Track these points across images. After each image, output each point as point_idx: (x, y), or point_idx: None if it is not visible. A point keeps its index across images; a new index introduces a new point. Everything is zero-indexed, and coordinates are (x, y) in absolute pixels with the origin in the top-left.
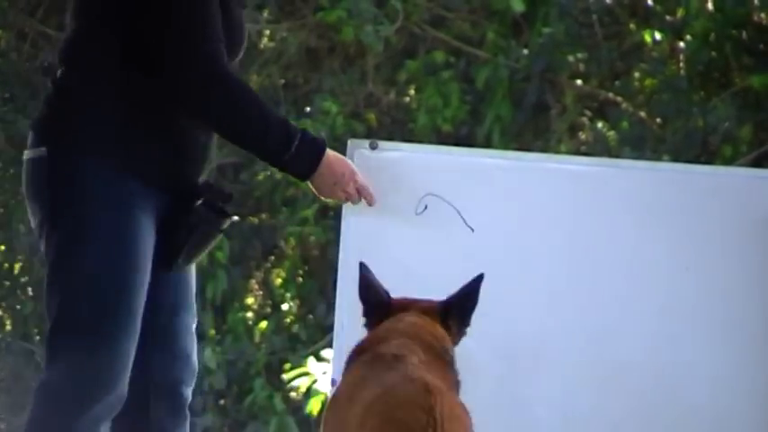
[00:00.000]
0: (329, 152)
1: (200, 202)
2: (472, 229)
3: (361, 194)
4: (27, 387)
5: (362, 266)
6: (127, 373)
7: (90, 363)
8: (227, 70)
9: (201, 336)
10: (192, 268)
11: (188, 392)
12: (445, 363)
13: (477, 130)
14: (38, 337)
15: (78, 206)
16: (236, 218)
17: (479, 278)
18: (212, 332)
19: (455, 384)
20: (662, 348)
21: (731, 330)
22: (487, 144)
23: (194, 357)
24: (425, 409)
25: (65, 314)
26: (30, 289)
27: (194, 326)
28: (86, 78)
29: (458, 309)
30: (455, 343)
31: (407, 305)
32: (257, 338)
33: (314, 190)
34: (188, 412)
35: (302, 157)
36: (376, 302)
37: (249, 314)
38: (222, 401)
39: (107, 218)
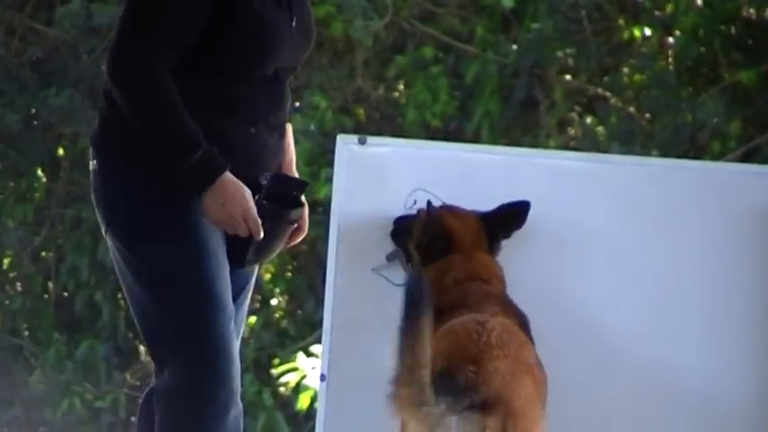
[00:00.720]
0: (228, 176)
1: (259, 196)
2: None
3: (247, 223)
4: (15, 382)
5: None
6: (233, 354)
7: (199, 358)
8: (142, 72)
9: None
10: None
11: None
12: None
13: (466, 125)
14: (27, 333)
15: (135, 216)
16: (304, 207)
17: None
18: None
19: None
20: (651, 343)
21: (721, 325)
22: (476, 139)
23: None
24: (478, 321)
25: (159, 319)
26: (18, 284)
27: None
28: None
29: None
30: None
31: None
32: (246, 334)
33: (203, 209)
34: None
35: (197, 172)
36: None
37: None
38: None
39: (164, 219)
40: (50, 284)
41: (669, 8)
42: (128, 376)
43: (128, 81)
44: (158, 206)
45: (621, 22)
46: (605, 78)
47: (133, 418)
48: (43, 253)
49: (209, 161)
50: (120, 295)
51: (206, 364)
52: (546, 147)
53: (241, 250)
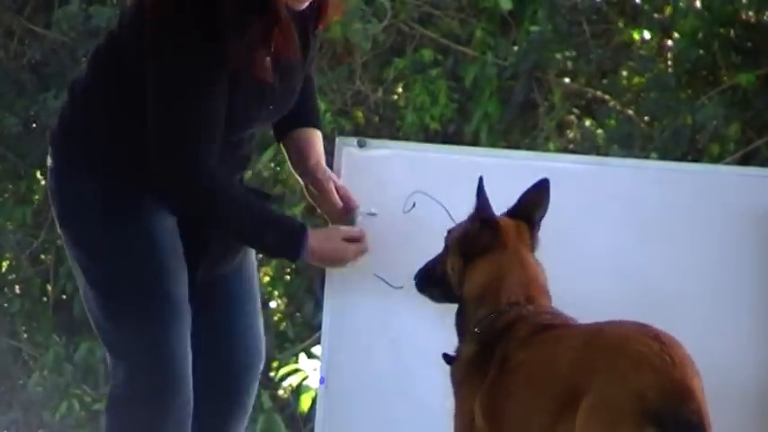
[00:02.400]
0: (312, 238)
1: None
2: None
3: (357, 250)
4: (14, 385)
5: (481, 180)
6: (186, 366)
7: (144, 361)
8: (209, 183)
9: None
10: (247, 268)
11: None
12: None
13: (464, 127)
14: (25, 335)
15: (86, 221)
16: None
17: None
18: None
19: None
20: None
21: (720, 328)
22: (475, 142)
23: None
24: (652, 336)
25: (111, 322)
26: (17, 287)
27: (258, 323)
28: (99, 92)
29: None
30: None
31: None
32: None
33: None
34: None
35: (282, 248)
36: (488, 225)
37: None
38: None
39: (117, 225)
40: (49, 287)
41: (668, 11)
42: None
43: (198, 202)
44: (111, 212)
45: (621, 24)
46: (604, 81)
47: None
48: (42, 255)
49: (288, 234)
50: None
51: (156, 373)
52: (545, 149)
53: (192, 267)
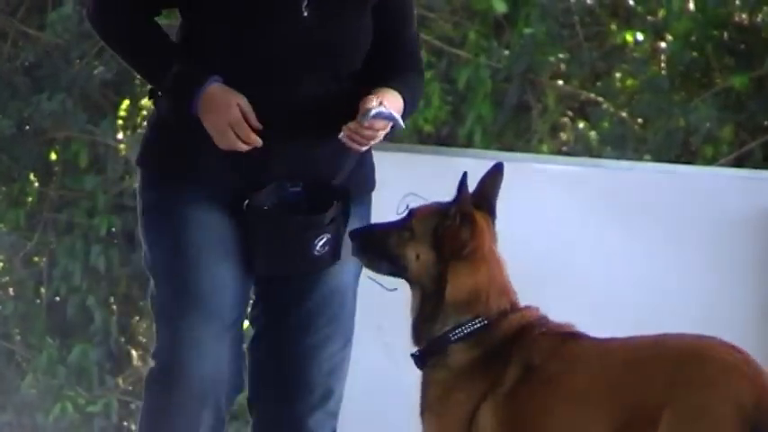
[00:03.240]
0: (212, 89)
1: (248, 201)
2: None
3: (234, 131)
4: (7, 387)
5: (464, 176)
6: (195, 359)
7: (163, 357)
8: (100, 8)
9: None
10: (345, 286)
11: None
12: None
13: (458, 130)
14: (18, 337)
15: (141, 215)
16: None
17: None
18: None
19: None
20: None
21: (715, 328)
22: (469, 144)
23: (312, 383)
24: (728, 345)
25: (152, 308)
26: (11, 289)
27: (329, 351)
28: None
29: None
30: None
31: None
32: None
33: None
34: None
35: (176, 91)
36: (469, 220)
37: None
38: None
39: (156, 218)
40: (42, 289)
41: (662, 13)
42: (120, 381)
43: (99, 17)
44: (154, 206)
45: (614, 27)
46: (598, 83)
47: (125, 423)
48: (35, 258)
49: (185, 77)
50: (112, 300)
51: (167, 357)
52: (538, 152)
53: (251, 258)
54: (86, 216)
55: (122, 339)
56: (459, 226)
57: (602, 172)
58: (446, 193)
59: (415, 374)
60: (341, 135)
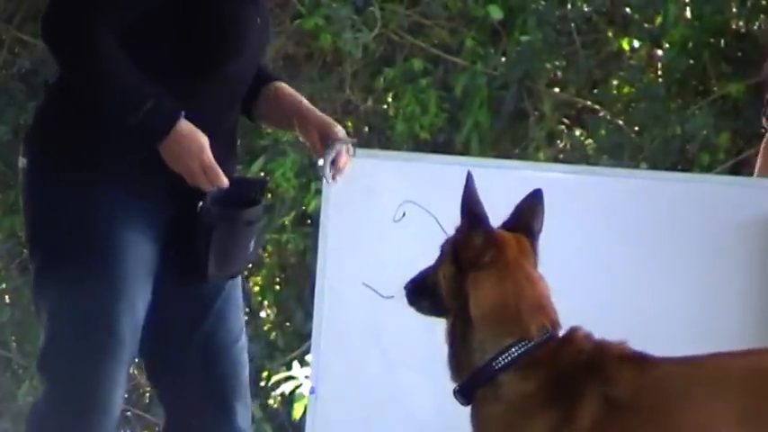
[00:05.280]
0: (182, 127)
1: (204, 202)
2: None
3: (207, 175)
4: (4, 395)
5: (469, 176)
6: (113, 396)
7: (71, 387)
8: (80, 27)
9: None
10: (232, 286)
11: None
12: None
13: (455, 137)
14: (15, 345)
15: (54, 225)
16: (258, 206)
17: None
18: None
19: None
20: None
21: (711, 336)
22: (465, 151)
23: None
24: None
25: (47, 336)
26: (7, 297)
27: (238, 347)
28: (59, 87)
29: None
30: None
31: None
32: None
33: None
34: None
35: (145, 127)
36: (478, 222)
37: None
38: None
39: (81, 236)
40: None
41: (658, 21)
42: None
43: (62, 37)
44: (78, 221)
45: (610, 34)
46: (594, 91)
47: (121, 431)
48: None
49: (158, 114)
50: None
51: (80, 401)
52: (535, 159)
53: (200, 265)
54: None
55: None
56: (468, 230)
57: (598, 179)
58: (443, 201)
59: (411, 380)
60: (330, 179)
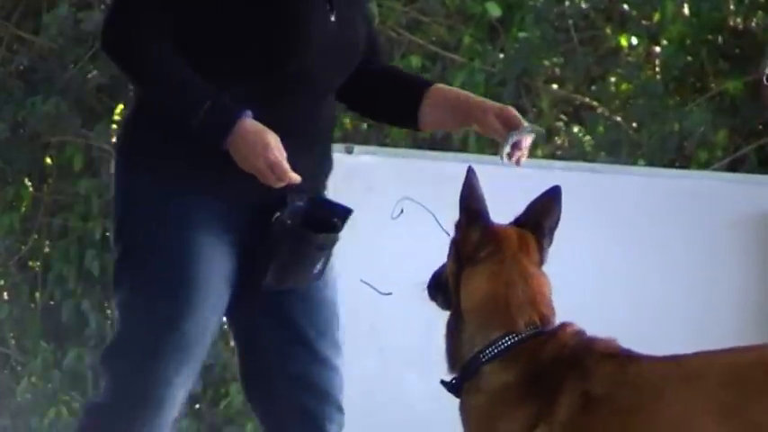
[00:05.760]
0: (246, 125)
1: (280, 214)
2: (448, 234)
3: (274, 172)
4: (2, 392)
5: (470, 171)
6: (172, 398)
7: (131, 385)
8: (129, 36)
9: None
10: (328, 289)
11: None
12: None
13: (452, 134)
14: (13, 342)
15: (133, 224)
16: (335, 234)
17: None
18: None
19: None
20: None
21: (709, 331)
22: (463, 148)
23: (334, 393)
24: None
25: (115, 332)
26: (5, 293)
27: (334, 359)
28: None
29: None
30: None
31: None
32: (233, 343)
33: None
34: None
35: (207, 128)
36: (477, 217)
37: (224, 319)
38: (198, 406)
39: (153, 237)
40: (37, 293)
41: (656, 17)
42: None
43: (116, 46)
44: (157, 222)
45: (608, 31)
46: (592, 88)
47: None
48: (30, 262)
49: (217, 114)
50: (107, 304)
51: (137, 402)
52: (533, 156)
53: (258, 274)
54: (81, 220)
55: None
56: (466, 225)
57: (596, 176)
58: (441, 198)
59: (408, 378)
60: (508, 158)
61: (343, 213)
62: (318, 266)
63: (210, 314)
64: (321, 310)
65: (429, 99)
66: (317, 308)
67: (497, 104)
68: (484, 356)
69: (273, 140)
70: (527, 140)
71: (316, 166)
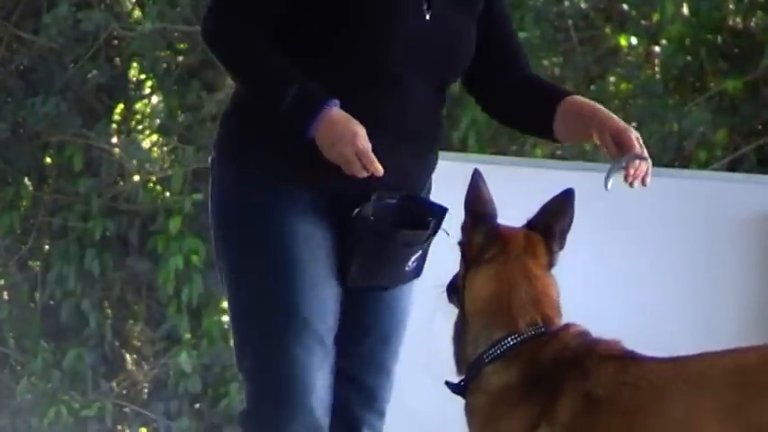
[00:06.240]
0: (332, 113)
1: (360, 209)
2: (448, 233)
3: (362, 161)
4: (2, 391)
5: (476, 173)
6: (313, 383)
7: (270, 383)
8: (217, 26)
9: (177, 340)
10: (404, 296)
11: None
12: None
13: (452, 134)
14: (13, 341)
15: (226, 217)
16: (423, 231)
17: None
18: (188, 336)
19: None
20: (638, 351)
21: (709, 331)
22: (463, 148)
23: (381, 396)
24: None
25: (233, 333)
26: (5, 293)
27: (389, 364)
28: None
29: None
30: None
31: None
32: (232, 342)
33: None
34: None
35: (294, 114)
36: (482, 219)
37: (225, 318)
38: (197, 405)
39: (248, 228)
40: (37, 293)
41: (655, 17)
42: (114, 385)
43: (212, 37)
44: (253, 215)
45: (608, 31)
46: (592, 87)
47: (119, 427)
48: (30, 262)
49: (304, 101)
50: (106, 304)
51: (275, 391)
52: (533, 156)
53: (343, 265)
54: (81, 220)
55: (117, 343)
56: (471, 227)
57: (595, 176)
58: (441, 198)
59: (409, 378)
60: (606, 186)
61: (439, 212)
62: (410, 264)
63: (328, 298)
64: (392, 314)
65: (560, 111)
66: (386, 311)
67: (620, 124)
68: (487, 357)
69: (360, 130)
70: (637, 166)
71: (408, 164)
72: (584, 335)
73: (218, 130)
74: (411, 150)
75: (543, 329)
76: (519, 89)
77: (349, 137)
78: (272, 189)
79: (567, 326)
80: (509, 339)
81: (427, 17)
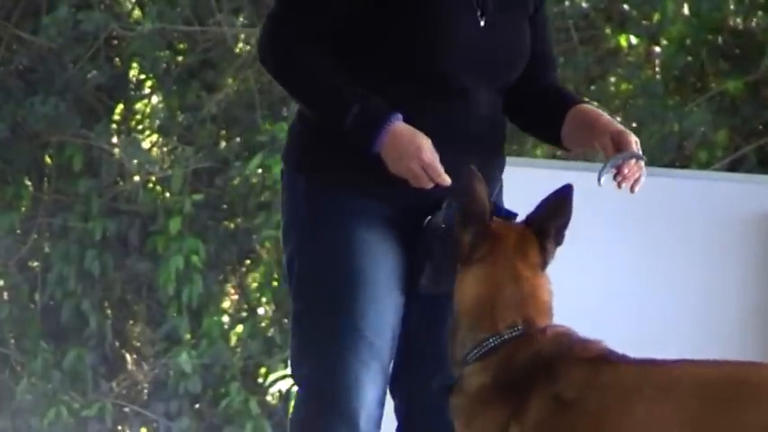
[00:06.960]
0: (397, 127)
1: (431, 217)
2: None
3: (429, 174)
4: (2, 392)
5: (471, 171)
6: (363, 397)
7: (323, 392)
8: (273, 47)
9: (177, 340)
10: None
11: None
12: None
13: None
14: (13, 342)
15: (294, 225)
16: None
17: (568, 189)
18: (188, 336)
19: None
20: (638, 351)
21: (709, 331)
22: None
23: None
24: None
25: (291, 338)
26: (5, 294)
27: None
28: None
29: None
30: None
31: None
32: (233, 342)
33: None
34: None
35: (359, 131)
36: (471, 219)
37: (225, 318)
38: (198, 405)
39: (320, 237)
40: (37, 294)
41: (656, 17)
42: (114, 385)
43: (267, 57)
44: (323, 219)
45: (608, 31)
46: (592, 87)
47: (120, 427)
48: (30, 262)
49: (366, 119)
50: (106, 304)
51: (326, 400)
52: (533, 156)
53: (415, 268)
54: (81, 220)
55: (117, 344)
56: (462, 224)
57: (595, 176)
58: None
59: None
60: (599, 182)
61: (507, 218)
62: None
63: (389, 310)
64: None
65: (568, 119)
66: (439, 324)
67: (620, 128)
68: (470, 358)
69: (426, 143)
70: (632, 166)
71: (478, 170)
72: (563, 336)
73: (286, 141)
74: (479, 155)
75: (522, 331)
76: (538, 96)
77: (414, 151)
78: (341, 201)
79: (546, 328)
80: (490, 341)
81: (482, 24)
